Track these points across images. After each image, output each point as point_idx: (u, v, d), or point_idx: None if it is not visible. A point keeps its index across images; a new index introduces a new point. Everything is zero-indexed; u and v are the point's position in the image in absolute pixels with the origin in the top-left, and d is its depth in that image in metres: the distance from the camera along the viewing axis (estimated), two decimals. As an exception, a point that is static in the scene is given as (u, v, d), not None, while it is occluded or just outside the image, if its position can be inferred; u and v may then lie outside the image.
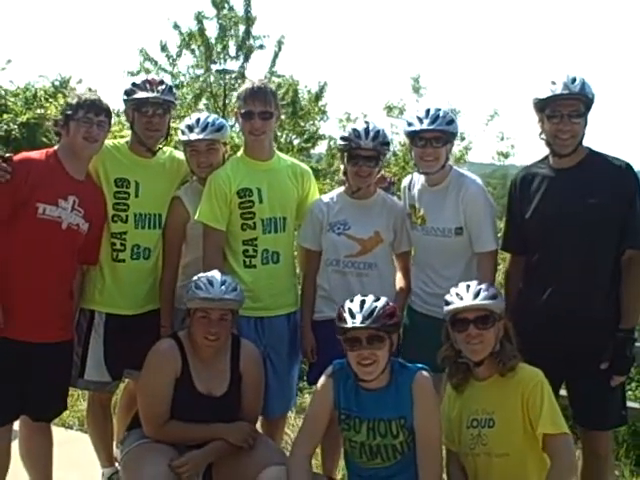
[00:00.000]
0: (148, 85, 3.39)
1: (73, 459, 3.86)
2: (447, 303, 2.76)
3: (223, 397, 3.06)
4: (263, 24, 12.93)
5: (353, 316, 2.74)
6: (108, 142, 3.41)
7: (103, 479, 3.72)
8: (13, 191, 3.00)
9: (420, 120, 3.19)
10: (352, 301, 2.80)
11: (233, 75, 12.84)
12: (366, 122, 3.41)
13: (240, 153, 3.46)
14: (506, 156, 13.33)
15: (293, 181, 3.45)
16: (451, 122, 3.22)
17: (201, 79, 12.92)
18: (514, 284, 3.17)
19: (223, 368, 3.08)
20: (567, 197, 2.96)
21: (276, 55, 13.12)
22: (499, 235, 3.32)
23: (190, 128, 3.45)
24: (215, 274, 3.06)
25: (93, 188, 3.29)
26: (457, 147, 14.75)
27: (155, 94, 3.35)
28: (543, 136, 3.03)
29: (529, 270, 3.10)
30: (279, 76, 13.35)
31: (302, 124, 13.67)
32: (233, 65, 12.86)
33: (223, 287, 2.99)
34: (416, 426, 2.76)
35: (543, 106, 2.98)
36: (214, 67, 12.75)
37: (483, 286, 2.77)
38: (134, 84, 3.43)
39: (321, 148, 14.97)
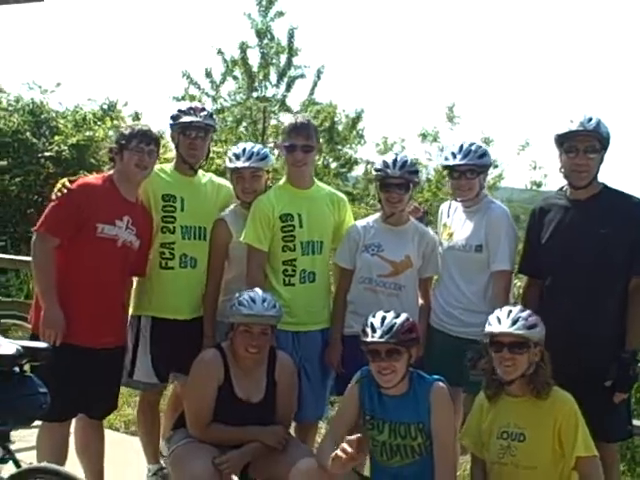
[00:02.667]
0: (192, 111, 3.79)
1: (119, 459, 4.14)
2: (489, 324, 3.02)
3: (260, 403, 3.38)
4: (304, 52, 13.23)
5: (374, 331, 3.05)
6: (155, 167, 3.74)
7: (149, 474, 4.02)
8: (76, 213, 3.38)
9: (454, 155, 3.55)
10: (374, 316, 3.11)
11: (273, 102, 13.23)
12: (395, 153, 3.86)
13: (283, 181, 3.81)
14: (539, 185, 13.46)
15: (330, 208, 3.78)
16: (483, 156, 3.56)
17: (242, 105, 13.33)
18: (530, 306, 3.42)
19: (260, 377, 3.40)
20: (580, 227, 3.22)
21: (315, 84, 13.52)
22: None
23: (237, 156, 3.79)
24: (257, 292, 3.38)
25: (142, 209, 3.64)
26: (490, 175, 14.91)
27: (197, 119, 3.74)
28: (562, 170, 3.30)
29: (543, 294, 3.35)
30: (317, 103, 13.72)
31: (339, 148, 13.96)
32: (274, 92, 13.30)
33: (264, 304, 3.31)
34: (433, 431, 3.06)
35: (562, 141, 3.25)
36: (255, 94, 13.16)
37: (523, 314, 2.99)
38: (180, 110, 3.82)
39: (358, 171, 15.23)
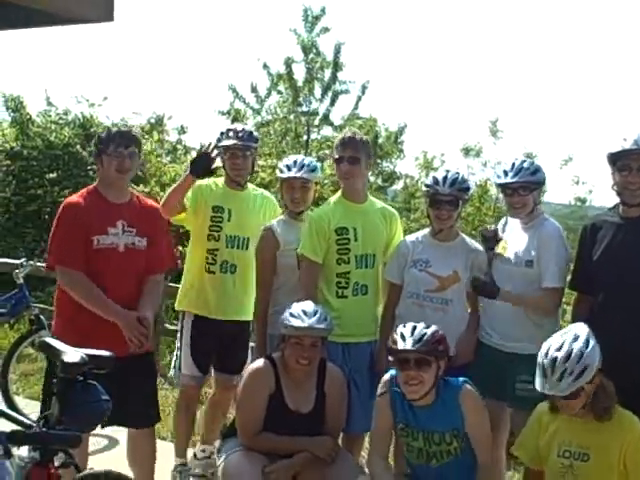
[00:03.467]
0: (232, 133, 4.05)
1: (167, 468, 4.27)
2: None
3: (309, 414, 3.43)
4: (349, 67, 13.35)
5: (404, 339, 3.09)
6: (209, 181, 4.11)
7: (173, 468, 4.26)
8: (76, 235, 3.33)
9: (506, 173, 3.56)
10: (405, 326, 3.16)
11: (317, 117, 13.34)
12: (446, 170, 3.81)
13: (338, 195, 3.90)
14: (584, 201, 13.29)
15: (383, 222, 3.87)
16: (535, 172, 3.56)
17: (285, 119, 13.46)
18: (579, 320, 3.41)
19: (310, 388, 3.45)
20: (633, 245, 3.21)
21: (359, 99, 13.60)
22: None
23: (288, 167, 3.96)
24: (308, 305, 3.44)
25: (139, 205, 3.55)
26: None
27: (236, 141, 4.01)
28: (615, 187, 3.30)
29: (594, 310, 3.33)
30: (360, 118, 13.79)
31: (380, 163, 13.99)
32: (317, 106, 13.40)
33: (315, 317, 3.35)
34: (470, 434, 3.14)
35: (615, 160, 3.26)
36: (299, 108, 13.29)
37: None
38: (222, 132, 4.10)
39: (397, 185, 15.22)
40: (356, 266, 3.73)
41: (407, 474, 3.35)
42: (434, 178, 3.69)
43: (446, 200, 3.62)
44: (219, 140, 4.07)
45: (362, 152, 3.75)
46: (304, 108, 13.34)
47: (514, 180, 3.51)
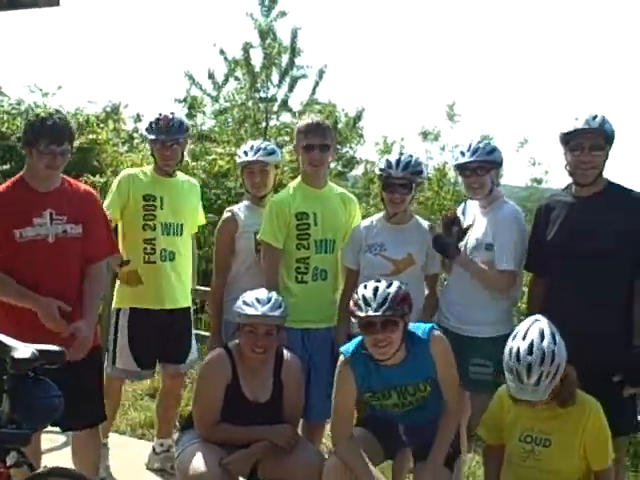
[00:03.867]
0: (161, 125, 4.04)
1: (124, 462, 4.26)
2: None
3: (267, 403, 3.40)
4: (307, 52, 13.25)
5: (368, 304, 3.01)
6: (136, 169, 4.30)
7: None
8: None
9: (463, 154, 3.58)
10: (366, 287, 3.07)
11: (275, 103, 13.24)
12: (400, 153, 3.86)
13: (298, 180, 3.88)
14: (539, 182, 13.45)
15: (342, 208, 3.87)
16: (491, 152, 3.58)
17: (244, 106, 13.34)
18: (535, 303, 3.44)
19: (267, 377, 3.42)
20: (585, 223, 3.24)
21: (317, 84, 13.53)
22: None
23: (245, 153, 4.01)
24: (262, 292, 3.40)
25: (71, 190, 3.34)
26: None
27: (164, 137, 4.01)
28: (567, 167, 3.32)
29: (549, 291, 3.37)
30: (319, 103, 13.73)
31: (339, 148, 13.98)
32: (275, 92, 13.30)
33: (269, 305, 3.31)
34: (440, 377, 3.15)
35: (567, 140, 3.28)
36: (257, 94, 13.17)
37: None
38: (151, 123, 4.10)
39: (357, 171, 15.23)
40: (316, 251, 3.72)
41: (369, 415, 3.36)
42: (387, 161, 3.68)
43: (399, 183, 3.61)
44: (148, 131, 4.10)
45: (330, 139, 3.75)
46: (262, 94, 13.22)
47: (471, 160, 3.53)
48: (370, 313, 2.99)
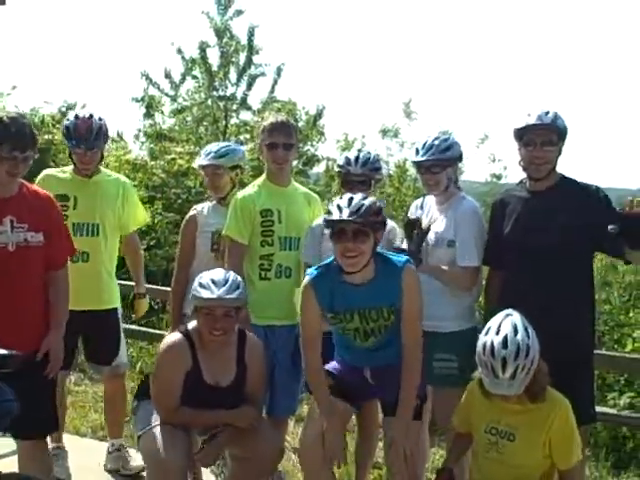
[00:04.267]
0: (76, 133, 3.92)
1: (85, 465, 4.23)
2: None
3: (229, 387, 3.35)
4: (265, 51, 13.16)
5: (341, 210, 2.99)
6: (55, 170, 4.23)
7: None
8: None
9: (418, 152, 3.58)
10: (342, 197, 3.07)
11: (234, 101, 13.15)
12: (358, 150, 3.89)
13: (263, 178, 3.91)
14: (499, 178, 13.58)
15: (307, 206, 3.93)
16: (447, 149, 3.57)
17: (202, 104, 13.24)
18: (492, 295, 3.49)
19: (229, 360, 3.37)
20: (539, 217, 3.30)
21: (275, 82, 13.47)
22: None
23: (200, 156, 4.12)
24: (218, 273, 3.33)
25: (30, 195, 3.23)
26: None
27: (83, 146, 3.91)
28: (521, 162, 3.37)
29: (505, 284, 3.43)
30: (278, 101, 13.70)
31: (300, 146, 13.97)
32: (234, 91, 13.21)
33: (225, 287, 3.23)
34: (403, 308, 3.11)
35: (520, 135, 3.33)
36: (215, 93, 13.07)
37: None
38: (67, 129, 3.97)
39: (319, 169, 15.22)
40: (280, 248, 3.76)
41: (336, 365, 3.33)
42: (346, 158, 3.73)
43: (358, 180, 3.66)
44: (65, 135, 4.00)
45: (294, 137, 3.78)
46: (220, 93, 13.11)
47: (425, 158, 3.54)
48: (342, 218, 2.97)
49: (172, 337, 3.40)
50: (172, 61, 16.06)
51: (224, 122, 13.08)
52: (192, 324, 3.39)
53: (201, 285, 3.26)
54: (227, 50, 13.00)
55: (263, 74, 13.27)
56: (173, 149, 11.24)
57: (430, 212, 3.66)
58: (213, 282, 3.25)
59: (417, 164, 3.60)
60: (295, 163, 14.07)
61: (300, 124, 13.98)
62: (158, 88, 13.50)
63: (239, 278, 3.34)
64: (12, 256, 3.11)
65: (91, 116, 3.99)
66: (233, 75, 13.14)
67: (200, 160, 4.05)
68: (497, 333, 2.81)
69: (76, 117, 4.00)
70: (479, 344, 2.83)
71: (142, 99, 13.52)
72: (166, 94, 13.51)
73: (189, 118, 13.49)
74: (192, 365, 3.31)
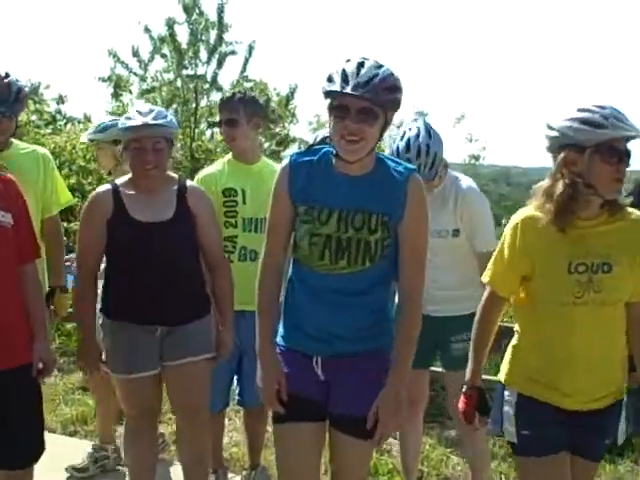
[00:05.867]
0: None
1: (55, 462, 3.91)
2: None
3: (170, 222, 3.10)
4: (235, 29, 12.83)
5: (346, 80, 2.27)
6: None
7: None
8: None
9: (409, 160, 3.22)
10: (348, 61, 2.32)
11: (205, 80, 12.82)
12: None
13: (228, 156, 3.72)
14: (477, 159, 13.50)
15: None
16: (433, 164, 3.26)
17: (172, 84, 12.90)
18: None
19: (169, 199, 3.14)
20: None
21: (247, 60, 13.15)
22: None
23: None
24: (145, 106, 3.26)
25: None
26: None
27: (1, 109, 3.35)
28: None
29: None
30: (250, 80, 13.38)
31: (272, 127, 13.71)
32: (204, 70, 12.88)
33: (152, 114, 3.05)
34: (404, 230, 2.40)
35: None
36: (185, 72, 12.73)
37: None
38: None
39: (292, 150, 15.01)
40: (243, 229, 3.54)
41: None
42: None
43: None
44: None
45: (241, 112, 3.57)
46: (190, 72, 12.76)
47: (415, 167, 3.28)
48: (347, 90, 2.26)
49: (93, 192, 3.22)
50: (140, 39, 15.63)
51: (194, 104, 12.76)
52: (122, 178, 3.21)
53: (127, 117, 3.10)
54: (196, 27, 12.65)
55: (234, 52, 12.95)
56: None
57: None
58: (139, 112, 3.09)
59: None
60: (267, 145, 13.89)
61: (272, 105, 13.72)
62: (126, 67, 13.13)
63: (168, 112, 3.24)
64: None
65: (7, 75, 3.44)
66: (203, 54, 12.81)
67: (82, 136, 4.08)
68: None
69: None
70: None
71: (109, 78, 13.14)
72: (134, 73, 13.15)
73: (158, 99, 13.13)
74: (114, 210, 3.08)
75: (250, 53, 13.21)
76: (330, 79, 2.31)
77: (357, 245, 2.38)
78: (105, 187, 3.18)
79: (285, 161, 2.50)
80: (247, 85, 13.12)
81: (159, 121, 3.03)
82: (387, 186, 2.40)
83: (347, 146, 2.31)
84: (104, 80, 13.17)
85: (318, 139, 3.38)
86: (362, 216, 2.39)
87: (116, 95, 13.19)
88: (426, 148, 3.18)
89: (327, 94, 2.33)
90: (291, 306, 2.53)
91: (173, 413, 3.37)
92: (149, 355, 3.11)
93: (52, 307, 3.71)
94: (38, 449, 2.86)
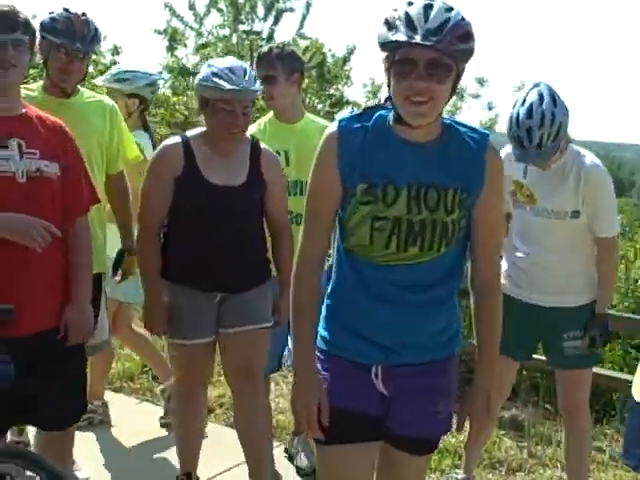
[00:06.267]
0: (69, 30, 3.02)
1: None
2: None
3: (243, 186, 2.94)
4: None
5: (412, 27, 1.81)
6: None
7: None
8: None
9: (530, 140, 2.90)
10: (411, 4, 1.86)
11: (261, 37, 12.60)
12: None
13: (270, 115, 3.50)
14: (490, 126, 13.03)
15: None
16: (556, 137, 2.91)
17: (227, 40, 12.72)
18: None
19: (242, 160, 2.98)
20: None
21: (304, 17, 12.89)
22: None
23: None
24: (231, 61, 2.94)
25: (38, 119, 2.57)
26: (486, 117, 14.51)
27: (73, 50, 3.02)
28: None
29: None
30: (306, 38, 13.11)
31: (327, 89, 13.47)
32: (261, 27, 12.66)
33: (247, 77, 2.82)
34: (483, 208, 2.00)
35: None
36: (242, 27, 12.53)
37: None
38: (51, 22, 3.05)
39: (346, 112, 14.73)
40: (288, 193, 3.25)
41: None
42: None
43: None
44: (44, 28, 3.03)
45: (279, 68, 3.35)
46: (246, 27, 12.55)
47: (539, 152, 2.89)
48: (416, 40, 1.80)
49: (162, 144, 3.01)
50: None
51: (250, 59, 12.55)
52: (193, 131, 3.01)
53: (216, 74, 2.79)
54: (254, -19, 12.40)
55: (292, 9, 12.70)
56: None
57: (538, 178, 3.05)
58: (231, 71, 2.79)
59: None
60: (321, 106, 13.66)
61: (329, 66, 13.47)
62: (182, 20, 12.97)
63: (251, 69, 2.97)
64: (22, 190, 2.43)
65: (85, 14, 3.12)
66: (260, 10, 12.57)
67: (98, 79, 4.01)
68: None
69: (66, 10, 3.07)
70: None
71: (165, 31, 13.00)
72: (190, 27, 13.00)
73: (213, 54, 12.96)
74: (185, 167, 2.88)
75: (308, 10, 12.94)
76: (390, 26, 1.84)
77: (432, 228, 1.94)
78: (175, 140, 2.97)
79: (332, 127, 2.02)
80: (303, 43, 12.86)
81: (254, 86, 2.85)
82: (462, 155, 1.98)
83: (414, 108, 1.87)
84: (160, 33, 13.05)
85: (382, 101, 3.15)
86: (436, 193, 1.95)
87: (171, 48, 13.06)
88: (551, 116, 2.80)
89: (387, 45, 1.86)
90: (342, 303, 2.06)
91: (226, 378, 3.23)
92: (207, 322, 2.98)
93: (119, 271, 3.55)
94: (81, 408, 2.78)
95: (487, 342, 2.08)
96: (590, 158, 3.04)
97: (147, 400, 4.49)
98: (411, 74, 1.84)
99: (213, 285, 2.96)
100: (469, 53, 1.89)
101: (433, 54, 1.82)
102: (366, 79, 13.86)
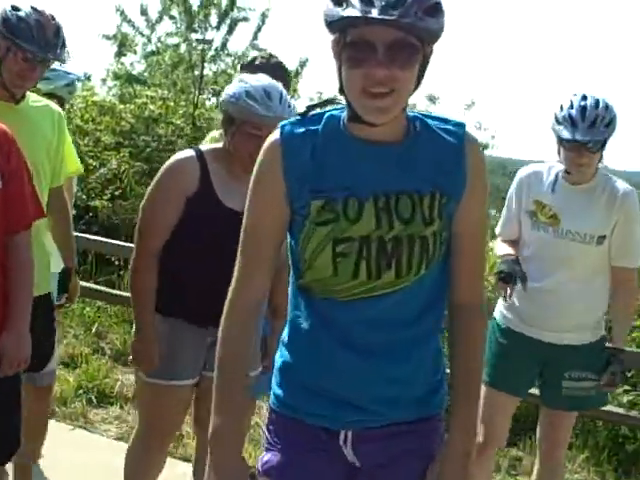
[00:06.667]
0: (38, 34, 2.70)
1: None
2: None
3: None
4: (248, -5, 12.30)
5: (575, 125, 2.05)
6: None
7: None
8: None
9: (575, 125, 2.76)
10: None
11: (213, 46, 12.37)
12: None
13: None
14: (485, 147, 13.11)
15: None
16: (609, 123, 2.80)
17: (178, 48, 12.46)
18: None
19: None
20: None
21: (259, 28, 12.69)
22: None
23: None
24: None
25: None
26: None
27: (39, 56, 2.72)
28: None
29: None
30: (259, 49, 12.94)
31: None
32: (213, 35, 12.42)
33: (282, 102, 2.57)
34: (465, 214, 1.62)
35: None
36: (194, 36, 12.28)
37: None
38: (20, 19, 2.69)
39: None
40: None
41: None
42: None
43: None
44: (8, 26, 2.70)
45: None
46: (199, 36, 12.31)
47: (588, 138, 2.75)
48: (373, 14, 1.40)
49: (175, 157, 2.69)
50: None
51: (201, 69, 12.31)
52: (208, 145, 2.81)
53: (249, 95, 2.55)
54: (209, -11, 12.17)
55: (246, 19, 12.48)
56: (144, 93, 10.54)
57: (566, 198, 2.92)
58: (268, 96, 2.55)
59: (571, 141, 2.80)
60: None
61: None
62: (133, 26, 12.65)
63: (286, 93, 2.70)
64: None
65: (54, 17, 2.80)
66: (214, 19, 12.33)
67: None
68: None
69: (35, 10, 2.73)
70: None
71: (114, 36, 12.66)
72: (141, 33, 12.68)
73: (162, 63, 12.69)
74: (199, 187, 2.60)
75: (263, 21, 12.76)
76: (340, 1, 1.44)
77: (410, 245, 1.55)
78: (189, 154, 2.67)
79: (273, 135, 1.65)
80: (255, 53, 12.67)
81: (287, 113, 2.53)
82: (436, 153, 1.59)
83: (373, 102, 1.49)
84: (109, 38, 12.70)
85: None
86: (409, 201, 1.57)
87: (120, 54, 12.74)
88: (605, 104, 2.75)
89: (335, 24, 1.46)
90: (299, 354, 1.67)
91: (196, 428, 2.95)
92: (197, 361, 2.69)
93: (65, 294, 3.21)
94: (13, 446, 2.47)
95: (465, 382, 1.65)
96: (622, 183, 2.92)
97: (81, 427, 4.22)
98: (368, 60, 1.45)
99: (206, 319, 2.48)
100: (439, 31, 1.49)
101: (395, 33, 1.43)
102: (313, 93, 13.73)
